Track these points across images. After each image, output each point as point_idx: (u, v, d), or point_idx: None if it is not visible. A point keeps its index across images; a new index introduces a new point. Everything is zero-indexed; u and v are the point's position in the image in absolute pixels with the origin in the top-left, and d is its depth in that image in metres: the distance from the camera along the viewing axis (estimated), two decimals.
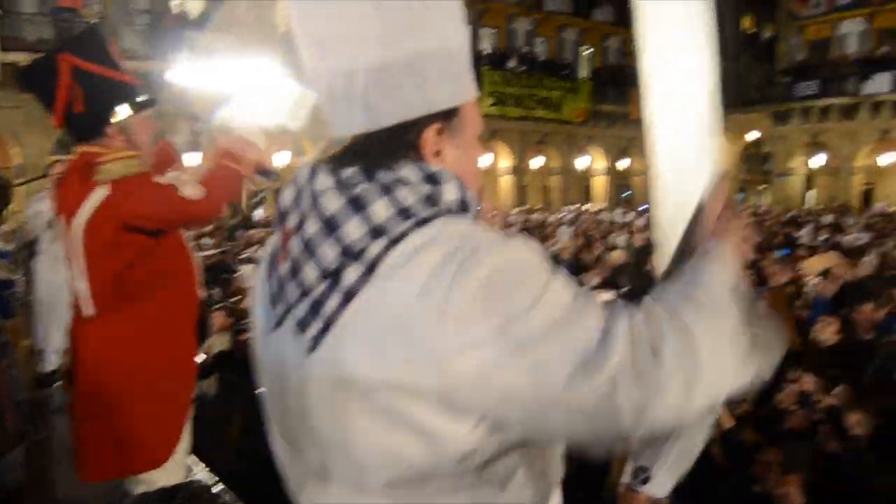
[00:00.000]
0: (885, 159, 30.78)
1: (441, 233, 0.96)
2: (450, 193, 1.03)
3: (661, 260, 1.41)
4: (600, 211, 24.51)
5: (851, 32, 31.63)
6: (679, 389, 0.95)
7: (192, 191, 2.66)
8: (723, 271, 1.13)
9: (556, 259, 10.61)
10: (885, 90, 29.11)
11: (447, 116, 1.06)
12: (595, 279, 7.97)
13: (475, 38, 29.09)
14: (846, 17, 31.68)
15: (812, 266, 7.90)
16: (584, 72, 32.78)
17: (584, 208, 25.43)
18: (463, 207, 1.04)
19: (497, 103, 29.02)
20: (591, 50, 33.53)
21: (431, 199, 1.00)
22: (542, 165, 32.64)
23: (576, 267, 9.25)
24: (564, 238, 12.36)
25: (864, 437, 3.80)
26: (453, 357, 0.91)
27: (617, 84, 32.38)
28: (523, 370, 0.91)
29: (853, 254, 10.53)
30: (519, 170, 31.82)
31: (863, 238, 13.66)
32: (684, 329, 0.98)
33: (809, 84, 31.57)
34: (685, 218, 1.33)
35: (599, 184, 35.15)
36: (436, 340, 0.91)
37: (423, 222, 0.97)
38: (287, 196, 1.10)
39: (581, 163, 33.20)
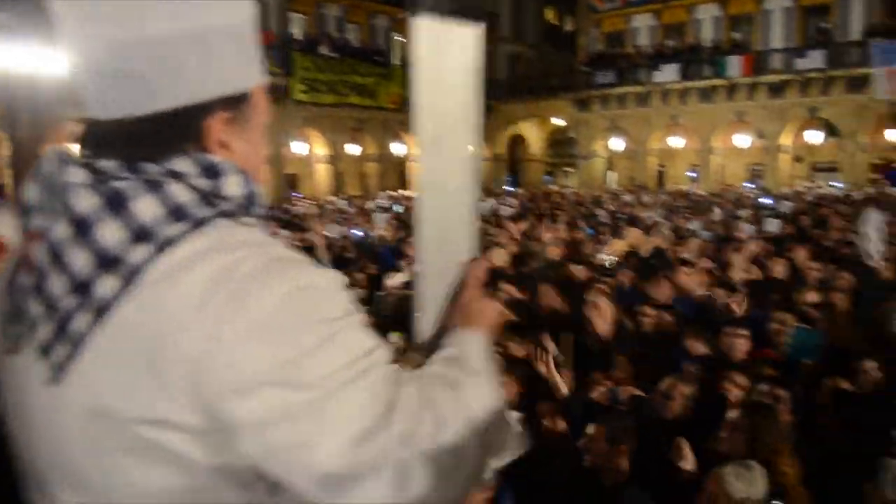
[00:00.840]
0: (673, 142, 33.65)
1: (221, 240, 0.84)
2: (233, 188, 0.90)
3: (422, 284, 1.32)
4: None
5: (642, 27, 34.31)
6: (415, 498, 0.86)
7: None
8: (475, 385, 1.05)
9: (374, 246, 10.60)
10: (673, 79, 31.75)
11: (235, 103, 0.93)
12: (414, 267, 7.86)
13: (284, 22, 28.35)
14: (637, 13, 34.29)
15: (617, 247, 8.30)
16: (397, 58, 32.89)
17: (401, 194, 25.56)
18: (249, 206, 0.92)
19: (309, 90, 28.50)
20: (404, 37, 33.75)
21: (210, 197, 0.87)
22: (357, 152, 32.47)
23: (395, 254, 9.14)
24: (380, 224, 12.27)
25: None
26: (225, 396, 0.79)
27: None
28: (299, 428, 0.80)
29: (649, 230, 11.30)
30: (335, 157, 31.47)
31: (656, 215, 14.70)
32: (434, 433, 0.91)
33: (607, 73, 33.77)
34: (443, 236, 1.30)
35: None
36: (204, 374, 0.78)
37: (199, 224, 0.84)
38: (31, 192, 0.91)
39: (397, 149, 33.32)
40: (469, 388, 1.02)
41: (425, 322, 1.27)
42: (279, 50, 27.53)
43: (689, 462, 3.27)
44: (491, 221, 13.07)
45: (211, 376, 0.78)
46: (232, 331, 0.78)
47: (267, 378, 0.78)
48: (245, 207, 0.92)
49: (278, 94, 27.76)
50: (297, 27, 29.37)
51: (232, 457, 0.83)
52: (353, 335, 0.86)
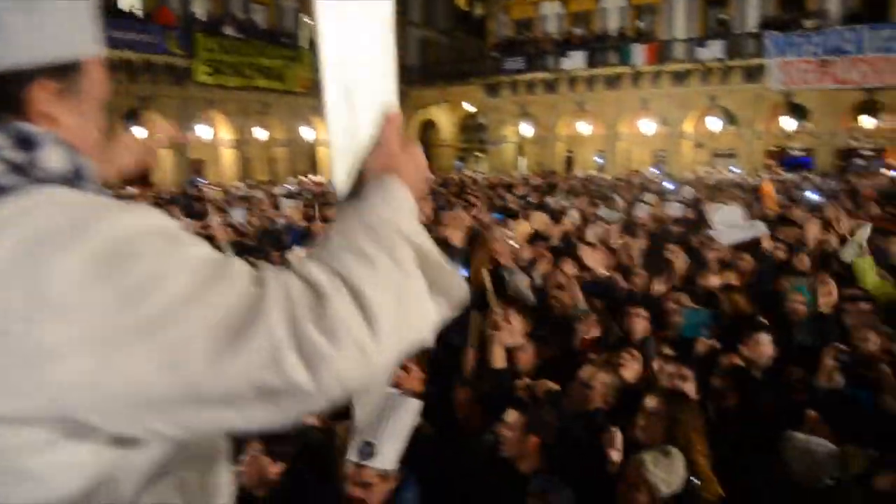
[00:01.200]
0: (581, 128, 34.30)
1: (37, 206, 0.79)
2: (53, 161, 0.85)
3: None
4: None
5: (550, 14, 34.78)
6: (354, 347, 0.82)
7: None
8: (391, 212, 0.98)
9: (280, 232, 10.31)
10: (580, 66, 32.34)
11: (65, 74, 0.89)
12: None
13: (186, 2, 27.40)
14: (545, 0, 34.56)
15: (521, 229, 8.31)
16: (306, 41, 32.20)
17: (311, 179, 25.12)
18: (76, 180, 0.88)
19: (214, 72, 27.63)
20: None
21: (22, 168, 0.82)
22: (265, 137, 31.72)
23: (303, 238, 8.91)
24: (287, 210, 11.94)
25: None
26: (57, 360, 0.74)
27: None
28: (152, 357, 0.75)
29: (557, 214, 11.40)
30: (242, 142, 30.63)
31: (564, 201, 14.88)
32: (349, 282, 0.85)
33: (516, 59, 34.11)
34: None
35: (326, 154, 34.97)
36: (30, 341, 0.73)
37: (2, 192, 0.80)
38: None
39: (307, 134, 32.69)
40: (386, 228, 0.94)
41: None
42: (181, 30, 26.58)
43: (618, 452, 3.24)
44: None
45: (38, 341, 0.74)
46: (60, 282, 0.74)
47: (108, 322, 0.75)
48: (70, 181, 0.86)
49: (181, 76, 26.83)
50: (200, 7, 28.37)
51: (87, 437, 0.80)
52: (200, 258, 0.83)
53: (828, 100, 28.31)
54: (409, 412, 3.09)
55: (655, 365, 4.16)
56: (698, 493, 2.93)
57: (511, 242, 7.41)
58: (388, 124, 1.16)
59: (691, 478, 2.93)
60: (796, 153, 32.57)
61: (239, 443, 3.58)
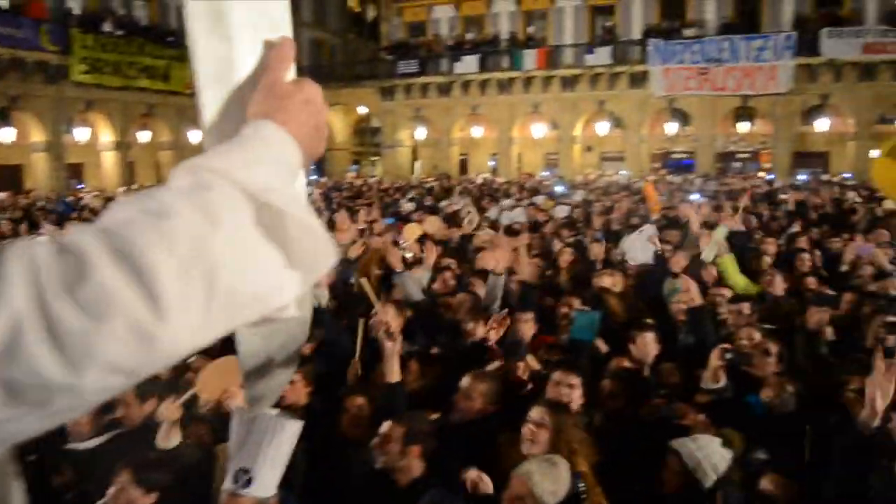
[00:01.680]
0: (475, 132, 34.57)
1: None
2: None
3: None
4: None
5: (443, 18, 34.88)
6: (125, 325, 0.62)
7: None
8: (229, 161, 0.76)
9: None
10: (473, 70, 32.58)
11: None
12: None
13: None
14: (437, 4, 34.82)
15: (410, 232, 8.18)
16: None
17: None
18: None
19: (91, 71, 26.20)
20: None
21: None
22: (150, 140, 30.39)
23: None
24: None
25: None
26: None
27: None
28: None
29: (451, 219, 11.36)
30: (123, 145, 29.18)
31: (459, 203, 14.88)
32: (123, 244, 0.64)
33: (410, 63, 34.00)
34: None
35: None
36: None
37: None
38: None
39: (194, 136, 31.53)
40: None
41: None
42: (54, 25, 25.09)
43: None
44: None
45: None
46: None
47: None
48: None
49: (55, 74, 25.34)
50: (76, 2, 26.87)
51: None
52: None
53: (707, 105, 29.70)
54: (289, 435, 2.88)
55: (522, 366, 4.18)
56: (583, 501, 2.88)
57: (403, 246, 7.28)
58: (276, 54, 0.91)
59: (578, 485, 2.88)
60: (680, 156, 34.06)
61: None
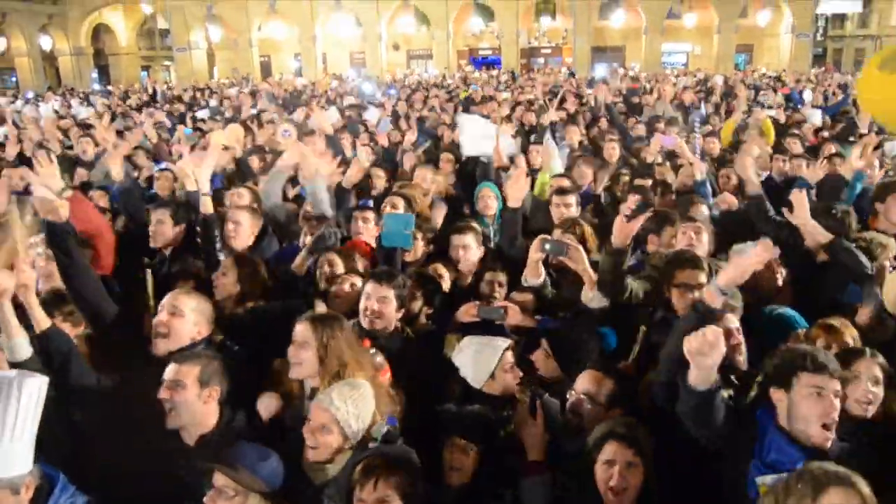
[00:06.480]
0: (276, 32, 32.70)
1: None
2: None
3: None
4: None
5: None
6: None
7: None
8: None
9: None
10: None
11: None
12: None
13: None
14: None
15: (216, 138, 7.29)
16: None
17: None
18: None
19: None
20: None
21: None
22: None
23: None
24: None
25: None
26: None
27: None
28: None
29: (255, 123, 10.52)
30: None
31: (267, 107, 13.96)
32: None
33: None
34: None
35: None
36: None
37: None
38: None
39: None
40: None
41: None
42: None
43: None
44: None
45: None
46: None
47: None
48: None
49: None
50: None
51: None
52: None
53: (510, 2, 29.80)
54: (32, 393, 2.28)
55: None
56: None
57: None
58: None
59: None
60: (485, 53, 34.18)
61: None
